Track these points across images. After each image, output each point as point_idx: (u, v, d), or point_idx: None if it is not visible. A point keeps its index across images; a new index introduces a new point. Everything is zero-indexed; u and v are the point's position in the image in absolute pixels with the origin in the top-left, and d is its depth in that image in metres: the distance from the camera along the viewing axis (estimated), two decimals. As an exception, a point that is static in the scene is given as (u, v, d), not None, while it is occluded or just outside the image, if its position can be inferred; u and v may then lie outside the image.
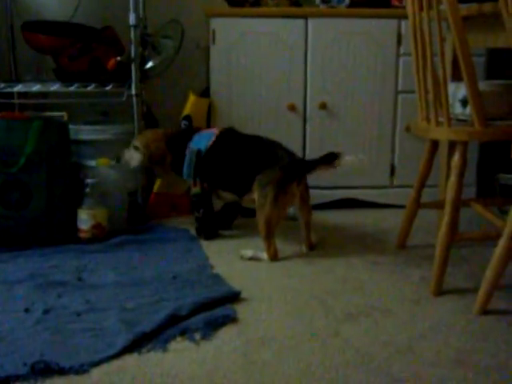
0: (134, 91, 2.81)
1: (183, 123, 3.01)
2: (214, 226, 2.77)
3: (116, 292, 2.12)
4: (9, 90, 2.80)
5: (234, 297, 2.07)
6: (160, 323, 1.84)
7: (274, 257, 2.47)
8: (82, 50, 2.85)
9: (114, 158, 2.81)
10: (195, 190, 2.68)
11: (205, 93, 3.10)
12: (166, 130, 2.79)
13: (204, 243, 2.67)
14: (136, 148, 2.74)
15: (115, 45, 2.95)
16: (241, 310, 1.99)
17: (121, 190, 2.81)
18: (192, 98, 3.04)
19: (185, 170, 2.67)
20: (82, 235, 2.61)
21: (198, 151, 2.63)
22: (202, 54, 3.18)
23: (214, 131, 2.68)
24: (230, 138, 2.67)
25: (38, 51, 3.00)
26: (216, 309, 1.97)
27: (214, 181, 2.67)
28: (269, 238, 2.47)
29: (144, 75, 2.97)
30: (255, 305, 2.03)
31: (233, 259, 2.49)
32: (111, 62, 2.81)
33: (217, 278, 2.25)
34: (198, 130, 2.79)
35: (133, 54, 2.81)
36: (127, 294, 2.10)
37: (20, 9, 3.23)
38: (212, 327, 1.86)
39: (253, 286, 2.19)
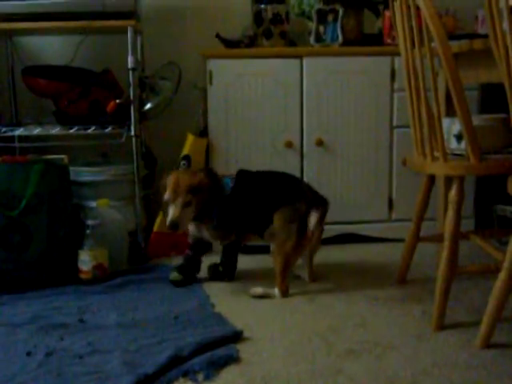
0: (133, 132, 2.85)
1: (182, 163, 3.04)
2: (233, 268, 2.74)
3: (118, 333, 2.12)
4: (10, 133, 2.83)
5: (237, 336, 2.07)
6: (162, 364, 1.84)
7: (286, 293, 2.48)
8: (82, 93, 2.89)
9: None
10: (231, 238, 2.62)
11: (203, 132, 3.14)
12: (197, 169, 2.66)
13: (204, 282, 2.67)
14: (187, 203, 2.43)
15: (114, 87, 3.00)
16: (243, 349, 1.98)
17: (121, 230, 2.83)
18: (190, 138, 3.07)
19: (216, 216, 2.53)
20: (83, 276, 2.62)
21: (227, 197, 2.54)
22: (199, 95, 3.22)
23: (232, 176, 2.61)
24: (244, 178, 2.61)
25: (38, 95, 3.04)
26: (218, 349, 1.96)
27: (240, 225, 2.58)
28: (285, 273, 2.48)
29: (143, 116, 3.00)
30: (257, 343, 2.04)
31: (233, 297, 2.49)
32: (111, 105, 2.85)
33: (218, 317, 2.25)
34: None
35: (132, 96, 2.85)
36: (129, 336, 2.10)
37: (20, 53, 3.29)
38: (214, 367, 1.86)
39: (255, 325, 2.19)
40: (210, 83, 3.09)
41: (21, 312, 2.34)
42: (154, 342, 2.03)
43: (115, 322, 2.22)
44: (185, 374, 1.82)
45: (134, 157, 2.88)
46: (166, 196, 2.43)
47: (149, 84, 3.06)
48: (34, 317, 2.27)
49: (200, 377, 1.80)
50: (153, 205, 3.15)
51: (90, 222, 2.62)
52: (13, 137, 2.94)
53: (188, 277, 2.65)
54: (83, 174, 2.92)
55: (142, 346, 2.01)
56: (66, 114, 2.95)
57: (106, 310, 2.35)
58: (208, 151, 3.11)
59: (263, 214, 2.51)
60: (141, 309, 2.36)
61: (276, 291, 2.48)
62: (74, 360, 1.92)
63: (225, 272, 2.70)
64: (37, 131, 2.85)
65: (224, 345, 2.00)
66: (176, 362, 1.87)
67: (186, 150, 3.06)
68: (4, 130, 2.83)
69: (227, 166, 3.09)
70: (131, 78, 2.84)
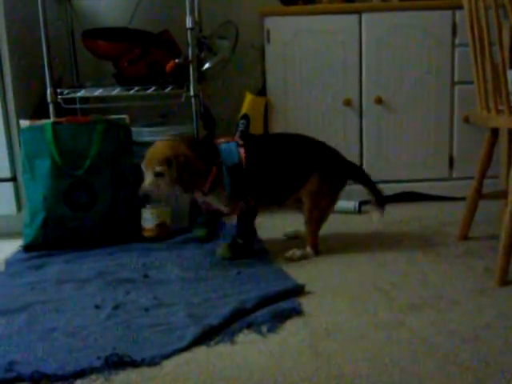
0: (192, 92, 2.86)
1: (241, 122, 3.05)
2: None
3: (182, 288, 2.17)
4: (72, 95, 2.89)
5: (299, 290, 2.09)
6: (227, 316, 1.88)
7: (318, 252, 2.49)
8: (141, 54, 2.92)
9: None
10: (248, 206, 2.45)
11: (261, 92, 3.14)
12: (179, 140, 2.43)
13: (265, 237, 2.70)
14: (159, 174, 2.31)
15: (172, 48, 3.01)
16: (305, 302, 2.01)
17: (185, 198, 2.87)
18: (249, 98, 3.08)
19: (227, 187, 2.37)
20: (146, 234, 2.68)
21: (236, 165, 2.37)
22: (257, 54, 3.22)
23: (235, 140, 2.46)
24: (264, 142, 2.52)
25: (98, 57, 3.09)
26: (281, 302, 2.00)
27: (261, 194, 2.46)
28: (318, 232, 2.50)
29: (201, 76, 3.02)
30: (319, 297, 2.06)
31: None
32: (169, 65, 2.86)
33: (280, 273, 2.28)
34: (211, 140, 2.58)
35: (190, 56, 2.86)
36: (193, 290, 2.15)
37: (80, 17, 3.34)
38: (278, 320, 1.89)
39: (316, 280, 2.21)
40: (268, 41, 3.08)
41: (88, 268, 2.42)
42: (218, 296, 2.08)
43: (179, 277, 2.27)
44: (249, 326, 1.86)
45: (194, 117, 2.90)
46: (142, 165, 2.36)
47: (207, 44, 3.06)
48: (100, 273, 2.35)
49: (264, 328, 1.84)
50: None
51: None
52: (74, 98, 2.99)
53: (211, 232, 2.69)
54: (144, 134, 2.96)
55: (206, 299, 2.06)
56: (126, 76, 2.98)
57: (169, 266, 2.40)
58: (266, 110, 3.11)
59: (288, 182, 2.46)
60: (203, 265, 2.40)
61: (308, 250, 2.48)
62: (140, 312, 1.98)
63: (245, 244, 2.49)
64: (97, 92, 2.90)
65: (286, 298, 2.03)
66: (240, 314, 1.91)
67: (244, 110, 3.08)
68: (66, 91, 2.88)
69: (286, 124, 3.09)
70: (189, 37, 2.85)
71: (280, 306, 1.97)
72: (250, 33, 3.32)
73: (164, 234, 2.68)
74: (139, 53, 2.92)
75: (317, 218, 2.48)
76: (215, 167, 2.36)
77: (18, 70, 2.83)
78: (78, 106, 3.11)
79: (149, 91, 2.88)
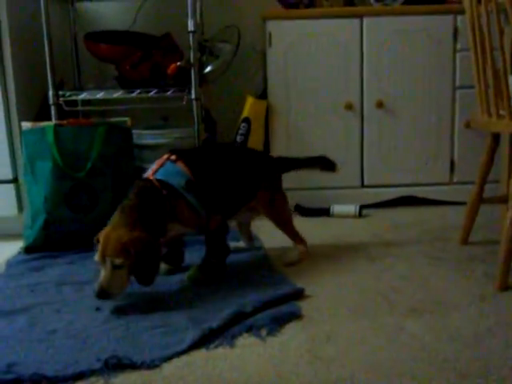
0: (193, 95, 2.87)
1: (242, 125, 3.06)
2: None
3: (181, 290, 2.18)
4: (74, 97, 2.90)
5: (298, 294, 2.09)
6: (226, 320, 1.88)
7: (305, 243, 2.51)
8: (143, 57, 2.92)
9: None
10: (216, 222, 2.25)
11: (262, 95, 3.14)
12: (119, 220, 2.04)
13: (265, 241, 2.70)
14: (118, 266, 1.98)
15: (174, 51, 3.02)
16: (305, 306, 2.01)
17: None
18: (250, 101, 3.09)
19: (200, 207, 2.18)
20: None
21: (188, 182, 2.16)
22: (258, 57, 3.23)
23: (169, 159, 2.22)
24: (197, 154, 2.35)
25: (100, 60, 3.10)
26: (280, 306, 2.00)
27: (214, 207, 2.25)
28: (297, 231, 2.51)
29: (203, 79, 3.02)
30: (319, 301, 2.06)
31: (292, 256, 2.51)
32: (172, 68, 2.87)
33: (279, 277, 2.27)
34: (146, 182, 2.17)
35: (192, 59, 2.86)
36: (192, 292, 2.15)
37: (82, 20, 3.35)
38: (277, 323, 1.88)
39: (315, 284, 2.21)
40: (270, 45, 3.08)
41: (88, 270, 2.41)
42: (218, 299, 2.08)
43: (178, 280, 2.27)
44: (249, 329, 1.85)
45: (195, 120, 2.90)
46: (95, 257, 2.02)
47: (208, 47, 3.07)
48: (100, 275, 2.35)
49: (263, 332, 1.84)
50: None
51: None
52: (76, 101, 3.00)
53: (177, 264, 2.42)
54: (145, 136, 2.97)
55: (206, 302, 2.06)
56: (128, 78, 2.99)
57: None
58: (267, 113, 3.11)
59: (237, 194, 2.36)
60: (203, 268, 2.41)
61: (300, 247, 2.49)
62: (140, 315, 1.98)
63: (218, 263, 2.30)
64: (100, 95, 2.90)
65: (286, 302, 2.03)
66: (239, 317, 1.91)
67: (245, 113, 3.08)
68: (68, 94, 2.89)
69: (287, 128, 3.10)
70: (191, 41, 2.85)
71: (280, 309, 1.97)
72: (252, 36, 3.33)
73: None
74: (141, 56, 2.93)
75: (285, 219, 2.50)
76: (167, 202, 2.11)
77: (21, 72, 2.84)
78: (79, 108, 3.12)
79: (150, 94, 2.89)
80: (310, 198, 3.18)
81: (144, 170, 2.88)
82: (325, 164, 2.67)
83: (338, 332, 1.82)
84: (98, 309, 2.05)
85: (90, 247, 2.56)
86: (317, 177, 3.14)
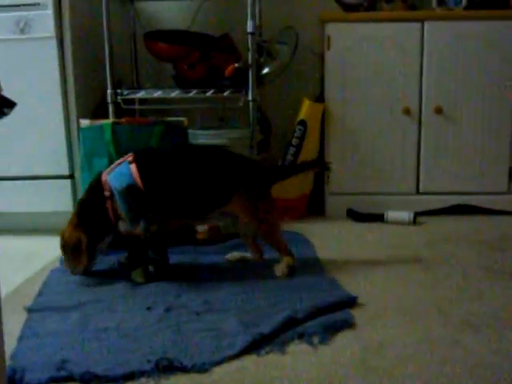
0: (250, 97, 2.86)
1: (298, 128, 3.04)
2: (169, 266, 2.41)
3: (233, 293, 2.17)
4: (132, 96, 2.92)
5: (351, 302, 2.06)
6: (278, 325, 1.86)
7: (292, 255, 2.38)
8: (201, 57, 2.93)
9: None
10: (153, 228, 2.28)
11: (319, 98, 3.12)
12: (76, 210, 2.36)
13: (317, 246, 2.68)
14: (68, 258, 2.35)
15: (232, 52, 3.02)
16: (358, 315, 1.98)
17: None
18: (307, 103, 3.06)
19: (125, 214, 2.26)
20: (199, 237, 2.69)
21: (129, 186, 2.24)
22: (316, 60, 3.20)
23: (126, 159, 2.32)
24: (161, 155, 2.38)
25: (158, 59, 3.12)
26: (333, 313, 1.97)
27: (169, 210, 2.31)
28: (283, 242, 2.39)
29: (260, 81, 3.01)
30: (372, 310, 2.02)
31: (346, 263, 2.48)
32: (229, 69, 2.87)
33: (332, 282, 2.24)
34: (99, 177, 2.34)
35: (250, 61, 2.86)
36: (244, 296, 2.14)
37: (142, 18, 3.37)
38: (330, 331, 1.86)
39: (368, 291, 2.18)
40: (328, 48, 3.05)
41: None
42: (269, 304, 2.06)
43: (230, 282, 2.27)
44: (300, 336, 1.83)
45: (251, 121, 2.89)
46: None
47: (266, 48, 3.06)
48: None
49: (315, 340, 1.81)
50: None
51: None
52: (133, 99, 3.03)
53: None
54: (200, 136, 2.97)
55: (258, 306, 2.04)
56: (185, 78, 3.00)
57: (221, 270, 2.40)
58: (324, 117, 3.08)
59: (200, 197, 2.32)
60: (255, 270, 2.40)
61: (287, 259, 2.36)
62: (191, 317, 1.98)
63: (158, 270, 2.34)
64: (157, 94, 2.92)
65: (339, 310, 2.00)
66: (291, 323, 1.89)
67: (301, 115, 3.06)
68: (126, 92, 2.91)
69: (343, 131, 3.07)
70: (250, 42, 2.85)
71: (332, 317, 1.94)
72: (310, 38, 3.30)
73: (217, 237, 2.68)
74: (199, 56, 2.93)
75: (270, 229, 2.36)
76: (109, 201, 2.28)
77: (80, 70, 2.88)
78: (137, 106, 3.15)
79: (207, 94, 2.89)
80: (363, 204, 3.14)
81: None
82: (318, 166, 2.63)
83: (391, 343, 1.79)
84: (149, 308, 2.06)
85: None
86: (370, 181, 3.12)
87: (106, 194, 2.27)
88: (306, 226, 2.97)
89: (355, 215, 3.09)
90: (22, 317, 2.03)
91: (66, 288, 2.28)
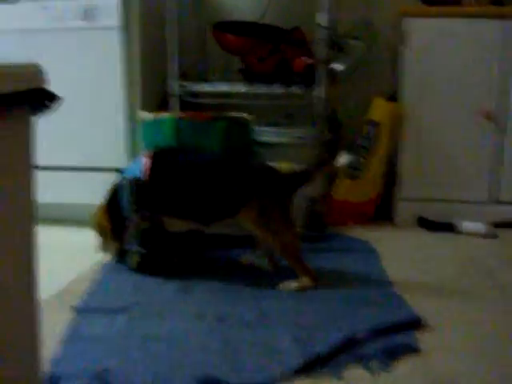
0: (320, 94, 2.71)
1: (369, 129, 2.87)
2: (160, 261, 2.36)
3: (290, 305, 2.03)
4: (197, 89, 2.82)
5: (416, 322, 1.89)
6: (335, 346, 1.72)
7: (315, 278, 2.18)
8: (270, 51, 2.80)
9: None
10: (144, 224, 2.28)
11: (392, 97, 2.93)
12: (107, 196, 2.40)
13: (383, 256, 2.51)
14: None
15: (303, 46, 2.87)
16: (423, 338, 1.80)
17: (302, 196, 2.74)
18: (379, 103, 2.88)
19: (125, 204, 2.28)
20: (260, 241, 2.56)
21: (134, 178, 2.24)
22: (391, 56, 3.02)
23: (144, 155, 2.32)
24: (178, 154, 2.33)
25: (227, 51, 2.99)
26: (395, 335, 1.81)
27: (173, 208, 2.27)
28: (301, 260, 2.21)
29: (331, 78, 2.86)
30: (439, 334, 1.84)
31: (414, 278, 2.31)
32: (299, 64, 2.73)
33: (396, 298, 2.08)
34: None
35: (321, 56, 2.70)
36: (301, 307, 2.01)
37: (211, 9, 3.26)
38: (390, 356, 1.70)
39: (436, 312, 1.99)
40: (405, 44, 2.86)
41: (193, 269, 2.35)
42: (327, 319, 1.92)
43: (288, 293, 2.13)
44: (358, 360, 1.68)
45: (319, 120, 2.74)
46: None
47: (339, 44, 2.90)
48: (206, 277, 2.27)
49: (374, 365, 1.66)
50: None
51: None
52: (197, 93, 2.92)
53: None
54: (265, 133, 2.85)
55: (314, 321, 1.91)
56: (253, 72, 2.88)
57: (280, 279, 2.26)
58: (396, 117, 2.89)
59: (209, 201, 2.23)
60: (315, 280, 2.26)
61: (306, 280, 2.18)
62: (243, 329, 1.86)
63: (142, 263, 2.33)
64: (223, 88, 2.81)
65: (402, 331, 1.84)
66: (349, 344, 1.75)
67: (373, 116, 2.89)
68: (190, 85, 2.81)
69: (418, 134, 2.88)
70: (322, 36, 2.69)
71: (394, 339, 1.78)
72: (386, 34, 3.11)
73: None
74: (269, 49, 2.80)
75: (286, 246, 2.19)
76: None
77: (145, 62, 2.79)
78: (201, 100, 3.04)
79: (275, 90, 2.76)
80: (434, 211, 2.93)
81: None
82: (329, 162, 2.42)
83: (461, 375, 1.61)
84: (200, 316, 1.95)
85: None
86: (443, 188, 2.92)
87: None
88: (372, 232, 2.80)
89: (427, 223, 2.90)
90: (69, 316, 1.96)
91: (117, 286, 2.20)
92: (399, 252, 2.57)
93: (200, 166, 2.27)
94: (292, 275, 2.20)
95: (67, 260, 2.50)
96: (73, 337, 1.81)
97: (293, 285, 2.18)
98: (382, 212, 3.00)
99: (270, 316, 1.95)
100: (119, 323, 1.90)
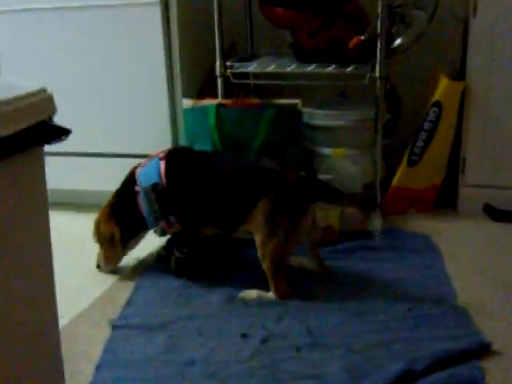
0: (378, 73, 2.47)
1: (432, 110, 2.61)
2: (198, 265, 2.24)
3: (341, 321, 1.86)
4: (243, 69, 2.61)
5: (483, 349, 1.69)
6: (391, 382, 1.55)
7: (285, 296, 2.00)
8: (322, 25, 2.55)
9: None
10: (174, 229, 2.18)
11: (459, 75, 2.65)
12: (109, 200, 2.26)
13: (446, 254, 2.30)
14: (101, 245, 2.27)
15: (359, 19, 2.60)
16: (492, 370, 1.60)
17: (356, 184, 2.55)
18: (444, 82, 2.60)
19: (146, 215, 2.14)
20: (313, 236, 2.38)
21: (154, 185, 2.11)
22: (459, 28, 2.72)
23: (158, 155, 2.18)
24: (193, 157, 2.19)
25: (275, 25, 2.75)
26: (458, 366, 1.62)
27: (192, 214, 2.15)
28: (278, 276, 1.99)
29: (390, 52, 2.60)
30: (510, 364, 1.64)
31: (482, 284, 2.09)
32: (354, 41, 2.48)
33: (462, 316, 1.87)
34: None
35: (379, 30, 2.44)
36: (354, 326, 1.83)
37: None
38: (454, 397, 1.53)
39: (506, 334, 1.79)
40: (474, 15, 2.55)
41: (239, 271, 2.22)
42: (382, 342, 1.74)
43: (338, 305, 1.96)
44: (417, 401, 1.52)
45: (377, 101, 2.51)
46: None
47: (400, 14, 2.63)
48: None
49: (435, 408, 1.49)
50: (393, 155, 2.77)
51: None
52: (245, 73, 2.71)
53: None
54: (317, 116, 2.63)
55: (368, 344, 1.74)
56: (303, 47, 2.64)
57: (328, 286, 2.09)
58: (463, 98, 2.62)
59: (221, 205, 2.08)
60: (367, 287, 2.07)
61: (271, 294, 2.01)
62: (290, 353, 1.72)
63: (180, 267, 2.22)
64: (270, 68, 2.58)
65: (466, 360, 1.65)
66: (406, 379, 1.57)
67: (437, 96, 2.61)
68: (236, 65, 2.60)
69: (485, 117, 2.60)
70: (380, 8, 2.42)
71: (457, 373, 1.58)
72: (452, 2, 2.80)
73: (331, 239, 2.37)
74: (320, 23, 2.56)
75: (271, 254, 1.98)
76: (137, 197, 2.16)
77: (187, 40, 2.60)
78: (248, 81, 2.83)
79: (328, 69, 2.52)
80: (502, 199, 2.66)
81: (314, 153, 2.62)
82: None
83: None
84: (244, 335, 1.81)
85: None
86: (511, 174, 2.65)
87: (137, 189, 2.15)
88: (433, 223, 2.58)
89: (494, 212, 2.65)
90: (106, 333, 1.84)
91: (158, 296, 2.08)
92: (464, 251, 2.34)
93: (210, 169, 2.13)
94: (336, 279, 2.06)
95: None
96: (108, 362, 1.71)
97: (254, 293, 2.03)
98: (444, 199, 2.76)
99: (320, 337, 1.79)
100: (158, 343, 1.79)
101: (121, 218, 2.19)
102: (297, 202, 2.00)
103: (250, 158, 2.17)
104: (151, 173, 2.13)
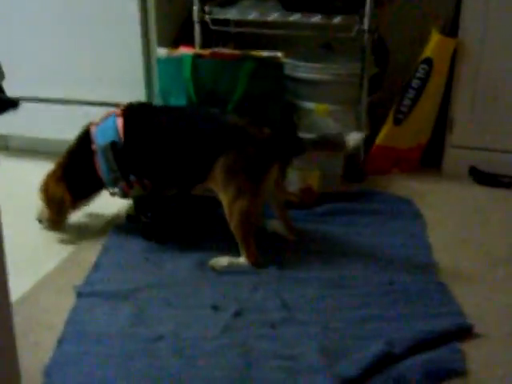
0: (366, 26, 2.33)
1: (421, 67, 2.47)
2: (166, 228, 2.13)
3: (319, 295, 1.78)
4: (222, 16, 2.45)
5: (463, 331, 1.62)
6: (369, 365, 1.47)
7: (256, 261, 1.91)
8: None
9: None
10: (135, 191, 2.06)
11: (452, 31, 2.50)
12: (60, 159, 2.13)
13: (429, 221, 2.21)
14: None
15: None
16: (472, 354, 1.53)
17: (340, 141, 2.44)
18: (435, 37, 2.46)
19: (105, 175, 2.03)
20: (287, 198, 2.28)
21: (113, 143, 1.99)
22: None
23: (115, 112, 2.06)
24: (152, 113, 2.07)
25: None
26: (438, 349, 1.54)
27: (152, 173, 2.04)
28: (248, 238, 1.90)
29: (380, 3, 2.45)
30: (493, 349, 1.56)
31: (465, 254, 2.01)
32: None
33: (443, 293, 1.78)
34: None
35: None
36: (331, 301, 1.75)
37: None
38: (432, 380, 1.46)
39: (493, 310, 1.71)
40: (470, -35, 2.40)
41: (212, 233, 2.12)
42: (360, 319, 1.67)
43: (317, 276, 1.87)
44: (394, 381, 1.44)
45: (364, 55, 2.38)
46: None
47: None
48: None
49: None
50: (379, 112, 2.65)
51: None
52: (225, 19, 2.55)
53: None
54: (300, 69, 2.49)
55: (345, 323, 1.66)
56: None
57: (305, 253, 2.00)
58: (455, 55, 2.48)
59: (180, 163, 1.99)
60: (349, 255, 1.98)
61: (242, 260, 1.91)
62: (264, 329, 1.63)
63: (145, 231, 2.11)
64: (251, 16, 2.42)
65: (447, 342, 1.57)
66: (384, 361, 1.49)
67: (427, 52, 2.47)
68: (215, 10, 2.43)
69: (476, 76, 2.47)
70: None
71: (436, 357, 1.51)
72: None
73: (308, 200, 2.26)
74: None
75: (238, 217, 1.88)
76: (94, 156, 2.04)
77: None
78: (229, 29, 2.66)
79: (313, 19, 2.37)
80: (488, 162, 2.55)
81: (296, 107, 2.49)
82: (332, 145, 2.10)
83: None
84: (215, 307, 1.72)
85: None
86: (500, 137, 2.54)
87: (94, 147, 2.04)
88: (417, 185, 2.49)
89: (479, 175, 2.56)
90: (70, 300, 1.74)
91: (126, 260, 1.99)
92: (447, 215, 2.26)
93: (170, 126, 2.01)
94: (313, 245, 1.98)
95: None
96: (71, 335, 1.61)
97: (223, 261, 1.92)
98: (429, 159, 2.66)
99: (295, 313, 1.70)
100: (124, 314, 1.69)
101: (73, 180, 2.08)
102: (258, 160, 1.89)
103: (213, 112, 2.04)
104: (108, 130, 2.01)
